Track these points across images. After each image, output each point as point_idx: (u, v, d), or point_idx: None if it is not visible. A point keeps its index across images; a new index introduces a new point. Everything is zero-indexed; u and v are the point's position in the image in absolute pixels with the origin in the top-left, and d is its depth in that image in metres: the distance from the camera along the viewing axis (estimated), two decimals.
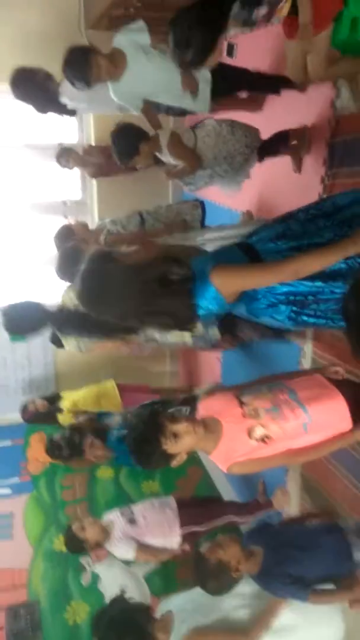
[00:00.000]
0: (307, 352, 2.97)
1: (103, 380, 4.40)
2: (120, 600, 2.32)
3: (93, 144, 4.47)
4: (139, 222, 3.08)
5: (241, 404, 1.72)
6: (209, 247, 2.43)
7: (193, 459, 3.50)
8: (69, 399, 4.32)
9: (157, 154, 2.78)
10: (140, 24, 2.61)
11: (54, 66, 3.64)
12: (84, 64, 2.47)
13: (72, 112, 3.24)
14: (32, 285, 4.74)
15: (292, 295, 1.58)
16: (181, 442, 1.63)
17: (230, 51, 3.46)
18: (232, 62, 3.41)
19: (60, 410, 4.26)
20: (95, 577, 3.22)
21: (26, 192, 4.60)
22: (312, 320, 1.64)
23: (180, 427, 1.63)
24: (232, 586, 2.06)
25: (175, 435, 1.62)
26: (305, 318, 1.63)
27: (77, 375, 4.60)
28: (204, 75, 2.63)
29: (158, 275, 1.45)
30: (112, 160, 3.75)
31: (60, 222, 4.67)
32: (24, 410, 4.26)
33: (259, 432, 1.67)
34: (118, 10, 3.66)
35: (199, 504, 3.32)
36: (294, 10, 1.94)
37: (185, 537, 3.04)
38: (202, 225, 3.22)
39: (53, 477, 4.11)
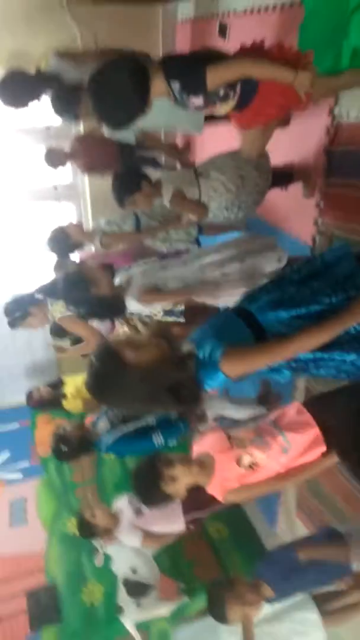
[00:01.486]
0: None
1: None
2: None
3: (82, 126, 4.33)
4: (134, 222, 3.05)
5: (229, 437, 1.92)
6: (209, 273, 2.43)
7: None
8: (71, 384, 4.41)
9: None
10: None
11: (35, 40, 3.54)
12: (73, 102, 2.55)
13: None
14: (24, 271, 4.74)
15: (294, 362, 1.64)
16: (179, 483, 1.83)
17: (223, 32, 3.29)
18: (224, 44, 3.27)
19: (64, 396, 4.38)
20: (108, 558, 3.42)
21: (16, 178, 4.51)
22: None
23: (176, 470, 1.82)
24: None
25: (173, 479, 1.81)
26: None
27: (78, 358, 4.65)
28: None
29: (168, 385, 1.48)
30: (105, 152, 3.67)
31: (51, 207, 4.64)
32: (29, 397, 4.36)
33: (246, 460, 1.87)
34: None
35: (201, 490, 3.46)
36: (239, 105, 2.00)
37: (189, 521, 3.21)
38: None
39: None
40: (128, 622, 3.13)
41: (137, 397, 1.49)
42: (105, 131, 2.90)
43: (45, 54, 3.51)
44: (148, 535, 3.05)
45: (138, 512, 3.06)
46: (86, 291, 2.39)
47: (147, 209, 2.73)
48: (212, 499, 3.26)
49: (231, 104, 2.04)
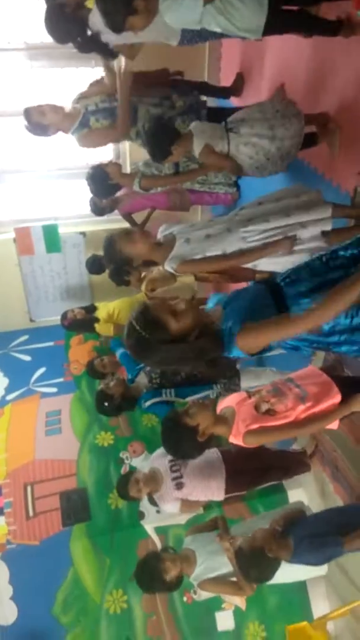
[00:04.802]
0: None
1: (135, 293, 4.65)
2: (152, 558, 2.74)
3: None
4: (173, 165, 3.05)
5: (248, 394, 2.11)
6: (251, 240, 2.45)
7: None
8: (103, 310, 4.63)
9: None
10: None
11: None
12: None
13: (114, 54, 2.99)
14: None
15: (316, 343, 1.72)
16: (197, 417, 1.97)
17: None
18: None
19: (97, 320, 4.62)
20: (133, 469, 3.80)
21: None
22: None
23: (193, 409, 1.99)
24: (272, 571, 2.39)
25: (189, 414, 1.98)
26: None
27: (110, 284, 4.82)
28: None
29: (198, 350, 1.59)
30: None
31: None
32: (64, 317, 4.62)
33: (264, 406, 2.03)
34: None
35: (246, 470, 3.20)
36: None
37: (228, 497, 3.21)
38: None
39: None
40: (148, 526, 3.55)
41: (171, 359, 1.60)
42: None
43: None
44: (186, 502, 3.08)
45: (179, 486, 3.00)
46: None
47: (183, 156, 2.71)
48: (252, 482, 3.27)
49: None
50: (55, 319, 4.72)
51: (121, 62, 2.95)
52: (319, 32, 2.65)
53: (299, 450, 3.45)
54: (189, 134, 2.70)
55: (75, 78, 4.25)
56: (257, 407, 2.05)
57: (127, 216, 4.32)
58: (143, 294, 4.66)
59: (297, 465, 3.35)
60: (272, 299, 1.66)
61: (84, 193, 4.23)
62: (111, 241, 2.51)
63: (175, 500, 3.00)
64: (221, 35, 2.56)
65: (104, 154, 4.71)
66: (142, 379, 3.30)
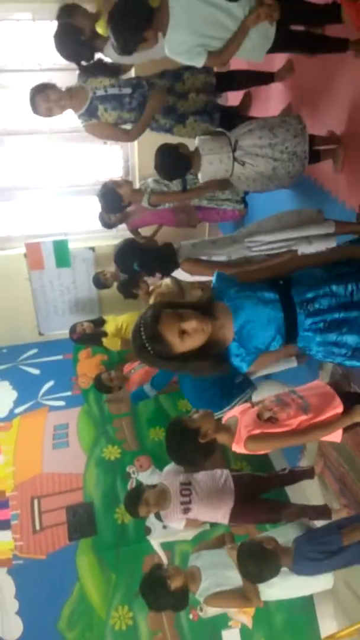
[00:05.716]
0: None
1: (143, 307, 4.69)
2: (156, 568, 2.80)
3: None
4: (181, 181, 3.11)
5: (252, 404, 2.19)
6: (255, 250, 2.51)
7: None
8: (112, 324, 4.68)
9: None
10: None
11: None
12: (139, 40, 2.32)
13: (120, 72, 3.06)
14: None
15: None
16: (199, 421, 2.07)
17: None
18: None
19: (105, 334, 4.66)
20: (139, 484, 3.80)
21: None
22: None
23: (196, 414, 2.09)
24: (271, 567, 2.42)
25: (193, 420, 2.08)
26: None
27: (119, 298, 4.87)
28: (266, 31, 2.38)
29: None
30: None
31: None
32: (73, 330, 4.67)
33: (266, 414, 2.08)
34: None
35: (256, 505, 3.18)
36: None
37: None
38: None
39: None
40: (154, 541, 3.54)
41: (171, 368, 1.63)
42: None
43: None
44: (191, 520, 3.09)
45: (186, 511, 3.03)
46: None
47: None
48: (256, 514, 3.20)
49: None
50: (64, 333, 4.78)
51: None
52: (322, 50, 2.70)
53: (306, 468, 3.43)
54: (196, 155, 2.73)
55: None
56: (259, 415, 2.10)
57: (135, 231, 4.38)
58: None
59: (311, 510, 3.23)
60: (285, 325, 1.62)
61: (94, 209, 4.33)
62: (123, 245, 2.60)
63: (180, 519, 3.02)
64: None
65: (113, 169, 4.79)
66: None
